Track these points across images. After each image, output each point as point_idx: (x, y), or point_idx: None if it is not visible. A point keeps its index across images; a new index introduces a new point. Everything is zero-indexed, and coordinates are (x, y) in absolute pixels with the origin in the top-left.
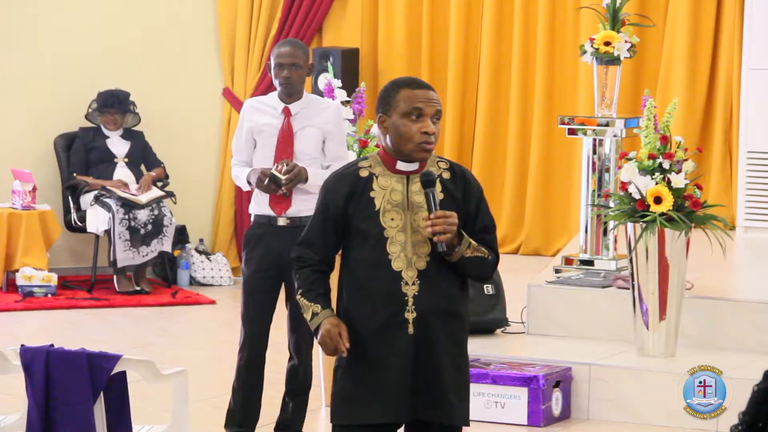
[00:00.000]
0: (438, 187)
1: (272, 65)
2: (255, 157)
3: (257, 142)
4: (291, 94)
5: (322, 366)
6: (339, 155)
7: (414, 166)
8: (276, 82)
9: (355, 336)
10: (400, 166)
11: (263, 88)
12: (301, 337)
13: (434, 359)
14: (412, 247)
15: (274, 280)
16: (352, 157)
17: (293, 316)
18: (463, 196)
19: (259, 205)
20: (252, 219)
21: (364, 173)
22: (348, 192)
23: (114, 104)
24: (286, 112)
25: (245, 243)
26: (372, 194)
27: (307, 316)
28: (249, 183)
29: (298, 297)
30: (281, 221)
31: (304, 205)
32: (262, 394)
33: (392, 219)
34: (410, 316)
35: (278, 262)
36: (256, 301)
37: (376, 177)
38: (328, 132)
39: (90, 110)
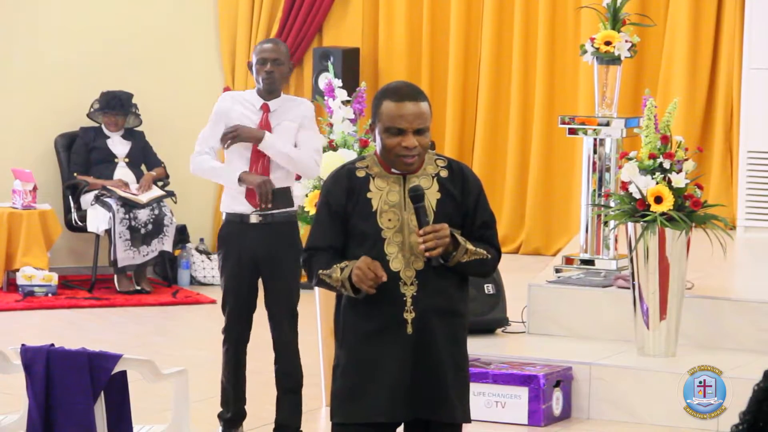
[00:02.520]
0: (435, 186)
1: (254, 62)
2: (230, 151)
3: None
4: (272, 90)
5: (322, 366)
6: (309, 143)
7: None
8: (258, 78)
9: (354, 336)
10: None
11: None
12: (283, 336)
13: (434, 358)
14: (409, 247)
15: (251, 277)
16: (320, 148)
17: (273, 316)
18: (461, 193)
19: (231, 202)
20: (224, 217)
21: (360, 173)
22: (347, 188)
23: (116, 106)
24: (265, 108)
25: (219, 242)
26: (369, 195)
27: (336, 275)
28: (240, 180)
29: (319, 278)
30: (253, 218)
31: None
32: (245, 375)
33: (389, 220)
34: (409, 316)
35: (253, 260)
36: (237, 300)
37: (373, 178)
38: (303, 123)
39: (92, 110)
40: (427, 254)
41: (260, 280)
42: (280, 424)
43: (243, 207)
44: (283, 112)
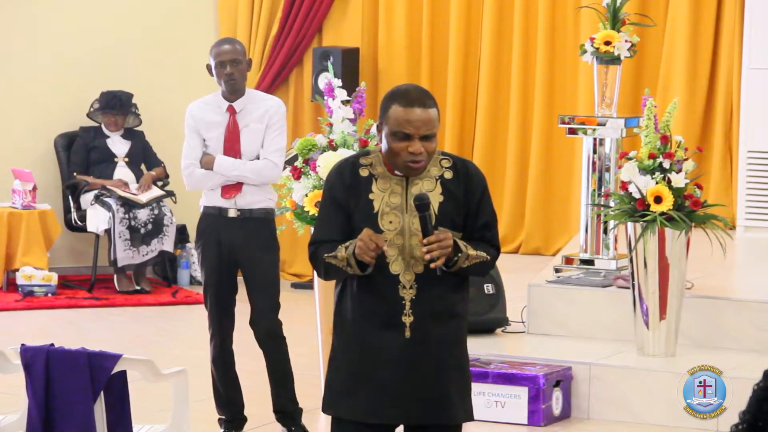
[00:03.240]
0: (438, 189)
1: (213, 65)
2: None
3: (205, 142)
4: (235, 90)
5: (322, 365)
6: (269, 146)
7: None
8: (219, 82)
9: (353, 336)
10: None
11: (263, 88)
12: (264, 321)
13: (433, 362)
14: (410, 250)
15: (230, 269)
16: (282, 147)
17: (256, 307)
18: (465, 193)
19: (209, 196)
20: (201, 210)
21: (364, 172)
22: (349, 184)
23: (115, 106)
24: (231, 110)
25: (198, 235)
26: (371, 196)
27: (341, 254)
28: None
29: (326, 263)
30: (231, 213)
31: (253, 197)
32: (236, 374)
33: (390, 222)
34: (407, 320)
35: (232, 253)
36: (219, 292)
37: (376, 179)
38: (269, 124)
39: (92, 109)
40: (432, 265)
41: (234, 274)
42: (278, 410)
43: (221, 201)
44: (249, 112)
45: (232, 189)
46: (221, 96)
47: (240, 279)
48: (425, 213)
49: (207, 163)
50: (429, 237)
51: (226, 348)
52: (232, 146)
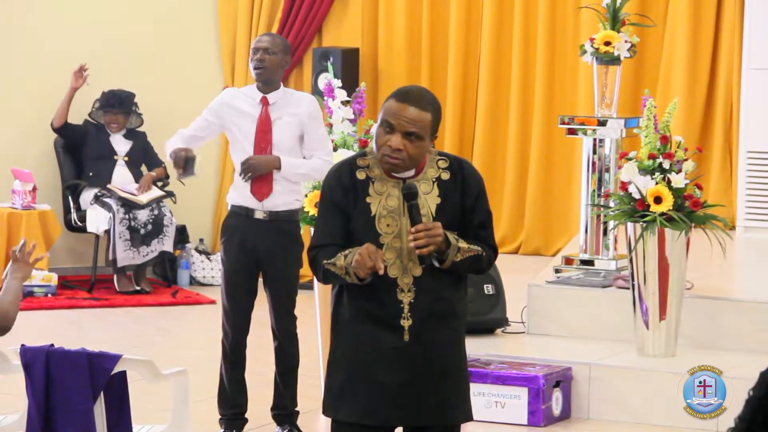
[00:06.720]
0: (435, 191)
1: (250, 53)
2: (233, 148)
3: (234, 132)
4: (265, 80)
5: (322, 365)
6: (315, 146)
7: (410, 172)
8: (252, 71)
9: (351, 338)
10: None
11: None
12: (282, 317)
13: (432, 363)
14: (407, 253)
15: (252, 271)
16: (331, 146)
17: (274, 297)
18: (461, 193)
19: (238, 195)
20: (229, 208)
21: (361, 175)
22: (347, 185)
23: (116, 105)
24: (264, 102)
25: (222, 231)
26: (368, 199)
27: (340, 262)
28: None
29: (325, 269)
30: (258, 214)
31: (282, 198)
32: (244, 375)
33: (387, 225)
34: (406, 323)
35: (255, 255)
36: (236, 294)
37: (373, 182)
38: (304, 124)
39: (93, 109)
40: (418, 252)
41: (255, 276)
42: (279, 404)
43: (249, 201)
44: (283, 106)
45: (263, 187)
46: (256, 88)
47: (256, 281)
48: (413, 202)
49: (268, 166)
50: (417, 225)
51: (238, 349)
52: (264, 137)
